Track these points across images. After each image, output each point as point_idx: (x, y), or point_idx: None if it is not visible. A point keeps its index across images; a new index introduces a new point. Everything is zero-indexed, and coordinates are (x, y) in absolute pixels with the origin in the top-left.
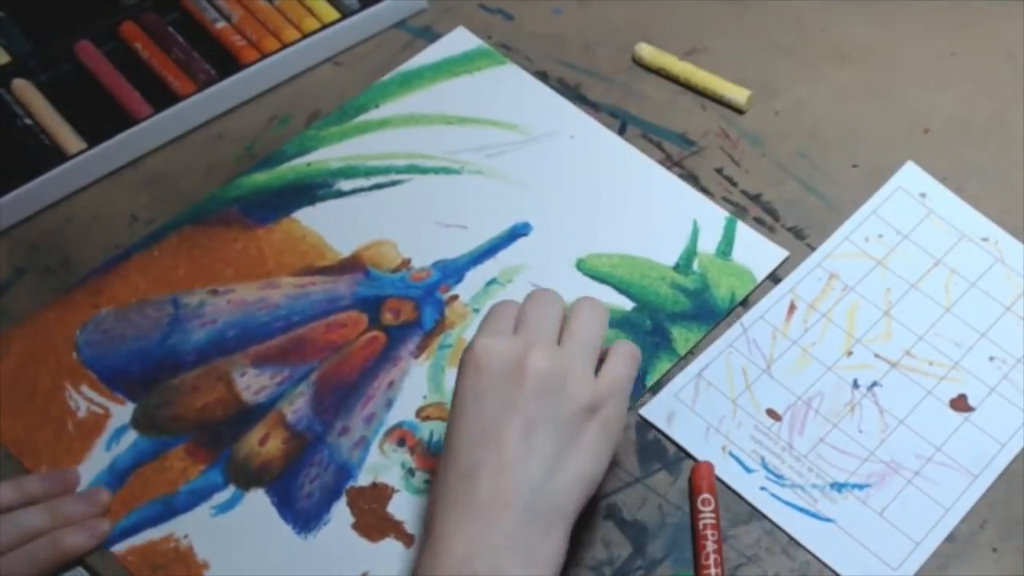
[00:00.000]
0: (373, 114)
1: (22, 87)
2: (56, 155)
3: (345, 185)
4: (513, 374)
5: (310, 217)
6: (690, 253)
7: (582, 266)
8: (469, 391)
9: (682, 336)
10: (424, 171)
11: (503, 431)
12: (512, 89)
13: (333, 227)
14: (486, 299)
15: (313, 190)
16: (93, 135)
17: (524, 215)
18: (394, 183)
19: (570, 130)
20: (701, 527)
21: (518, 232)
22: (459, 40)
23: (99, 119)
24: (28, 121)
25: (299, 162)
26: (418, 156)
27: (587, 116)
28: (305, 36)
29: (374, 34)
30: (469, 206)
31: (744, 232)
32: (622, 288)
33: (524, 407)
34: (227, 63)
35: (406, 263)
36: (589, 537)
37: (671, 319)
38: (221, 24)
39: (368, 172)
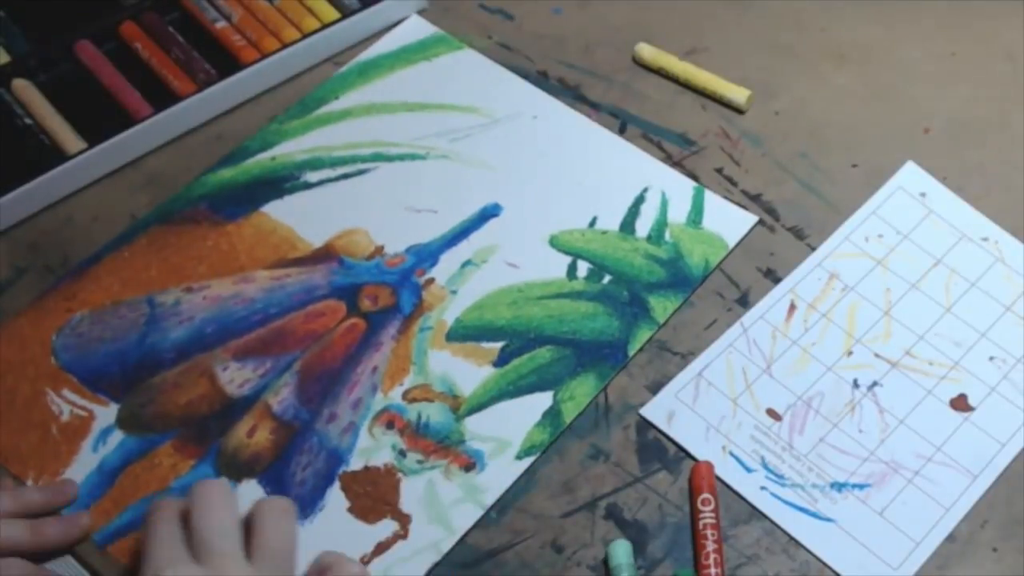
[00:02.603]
0: (334, 105)
1: (22, 87)
2: (56, 155)
3: (312, 176)
4: None
5: (279, 210)
6: (661, 224)
7: (555, 242)
8: None
9: (660, 305)
10: (390, 158)
11: None
12: (471, 73)
13: (303, 219)
14: (462, 280)
15: (280, 183)
16: (93, 135)
17: (493, 196)
18: (361, 172)
19: (532, 110)
20: (701, 527)
21: (489, 213)
22: (414, 28)
23: (99, 119)
24: (28, 121)
25: (263, 157)
26: (382, 144)
27: (548, 96)
28: (305, 36)
29: (374, 34)
30: (437, 190)
31: (713, 200)
32: (596, 261)
33: None
34: (227, 63)
35: (380, 250)
36: (589, 537)
37: (647, 289)
38: (221, 24)
39: (333, 163)
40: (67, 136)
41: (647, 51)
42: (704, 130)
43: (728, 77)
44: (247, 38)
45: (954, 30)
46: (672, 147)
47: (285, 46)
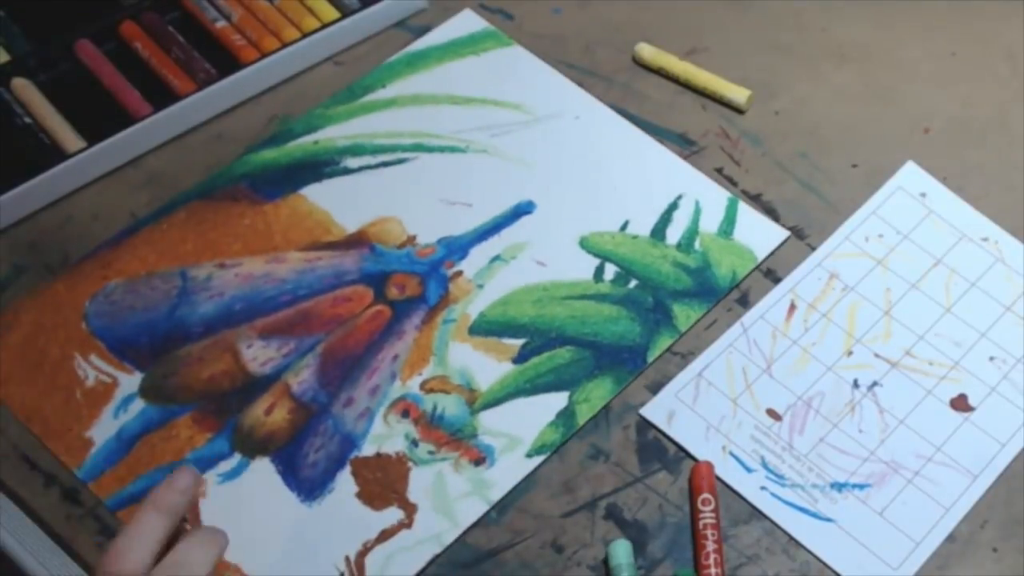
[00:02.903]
0: (380, 94)
1: (22, 86)
2: (56, 154)
3: (352, 163)
4: None
5: (317, 194)
6: (692, 232)
7: (585, 244)
8: None
9: (683, 313)
10: (430, 149)
11: None
12: (517, 70)
13: (339, 204)
14: (490, 275)
15: (320, 167)
16: (93, 134)
17: (528, 194)
18: (400, 161)
19: (574, 111)
20: (701, 527)
21: (522, 210)
22: (465, 22)
23: (99, 118)
24: (28, 120)
25: (307, 140)
26: (424, 135)
27: (591, 97)
28: (305, 36)
29: (374, 34)
30: (474, 184)
31: (746, 212)
32: (624, 266)
33: None
34: (227, 63)
35: (411, 239)
36: (589, 537)
37: (672, 296)
38: (221, 24)
39: (375, 150)
40: (67, 135)
41: (647, 51)
42: (704, 130)
43: (728, 77)
44: (247, 38)
45: (954, 30)
46: (672, 147)
47: (285, 46)
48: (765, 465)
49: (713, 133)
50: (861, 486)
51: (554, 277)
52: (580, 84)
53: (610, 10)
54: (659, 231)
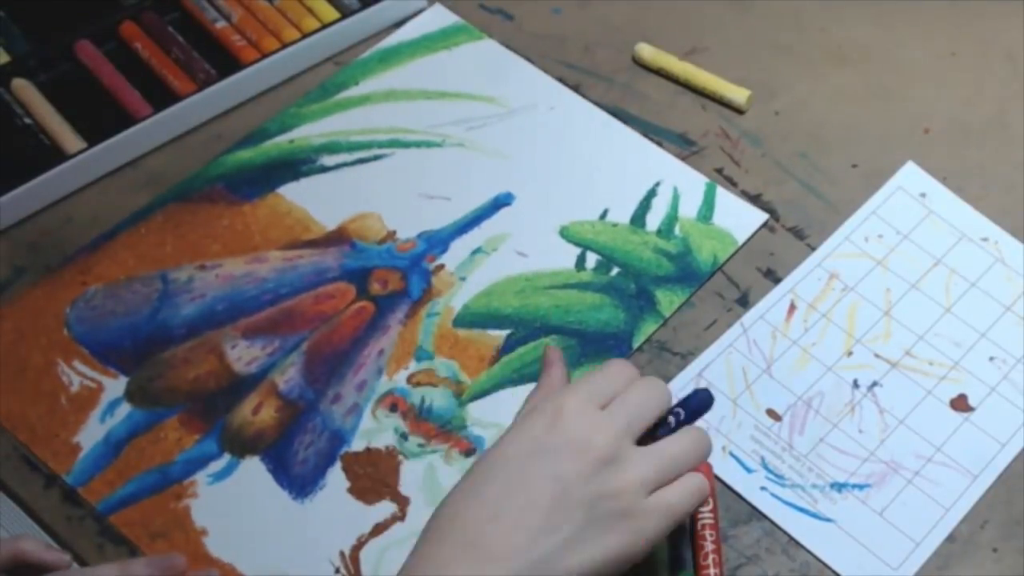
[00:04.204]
0: (353, 91)
1: (22, 87)
2: (56, 155)
3: (328, 160)
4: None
5: (294, 192)
6: (671, 218)
7: (566, 233)
8: None
9: (666, 299)
10: (406, 145)
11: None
12: (490, 63)
13: (318, 202)
14: (472, 268)
15: (297, 166)
16: (93, 135)
17: (506, 185)
18: (377, 157)
19: (549, 102)
20: (700, 527)
21: (501, 202)
22: (436, 17)
23: (99, 119)
24: (28, 121)
25: (282, 139)
26: (399, 131)
27: (565, 88)
28: (305, 36)
29: (374, 34)
30: (452, 178)
31: (724, 196)
32: (606, 254)
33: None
34: (227, 63)
35: (391, 235)
36: None
37: (655, 282)
38: (221, 24)
39: (350, 147)
40: (67, 136)
41: (647, 51)
42: (704, 130)
43: (728, 77)
44: (247, 38)
45: (954, 30)
46: (672, 147)
47: (285, 46)
48: (765, 465)
49: (713, 133)
50: (861, 486)
51: (536, 267)
52: (580, 84)
53: (610, 10)
54: (639, 218)
